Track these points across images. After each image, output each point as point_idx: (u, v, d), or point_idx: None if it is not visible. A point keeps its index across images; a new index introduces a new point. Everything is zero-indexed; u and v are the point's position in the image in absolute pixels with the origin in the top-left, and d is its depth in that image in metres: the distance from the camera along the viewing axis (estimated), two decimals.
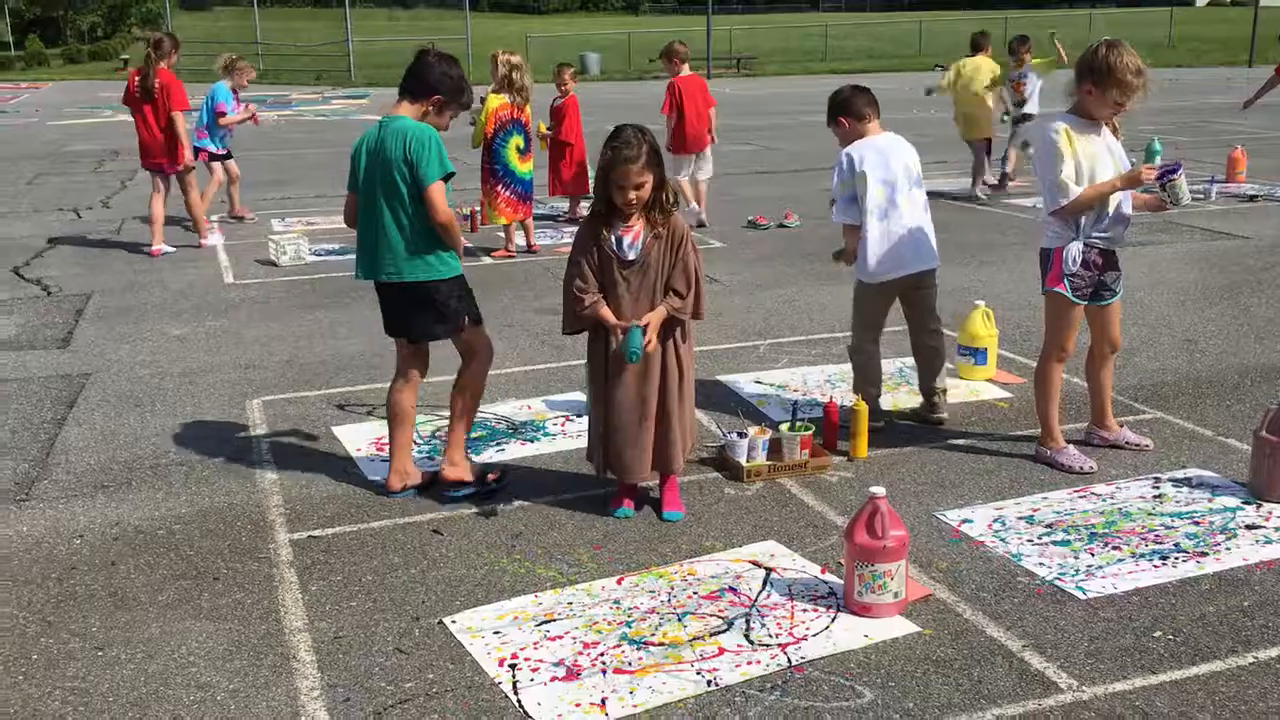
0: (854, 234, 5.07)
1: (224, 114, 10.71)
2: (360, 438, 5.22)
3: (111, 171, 15.66)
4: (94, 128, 22.74)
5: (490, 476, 4.59)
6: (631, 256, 4.16)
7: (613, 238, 4.16)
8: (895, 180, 4.99)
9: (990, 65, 11.50)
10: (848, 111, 5.14)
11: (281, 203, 12.38)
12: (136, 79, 9.56)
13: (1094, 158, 4.45)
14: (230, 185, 11.10)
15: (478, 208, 10.13)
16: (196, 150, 10.27)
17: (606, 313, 4.17)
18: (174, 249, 9.79)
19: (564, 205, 11.36)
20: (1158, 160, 13.08)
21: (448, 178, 4.36)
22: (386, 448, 5.04)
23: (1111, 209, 4.51)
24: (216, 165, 10.84)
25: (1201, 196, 11.33)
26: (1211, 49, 42.29)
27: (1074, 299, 4.59)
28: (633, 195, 4.07)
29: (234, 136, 11.19)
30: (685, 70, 10.69)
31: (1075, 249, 4.49)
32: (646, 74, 37.98)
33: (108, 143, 19.36)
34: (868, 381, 5.22)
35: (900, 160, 5.03)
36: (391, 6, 73.12)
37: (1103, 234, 4.54)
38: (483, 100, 8.86)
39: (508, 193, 9.09)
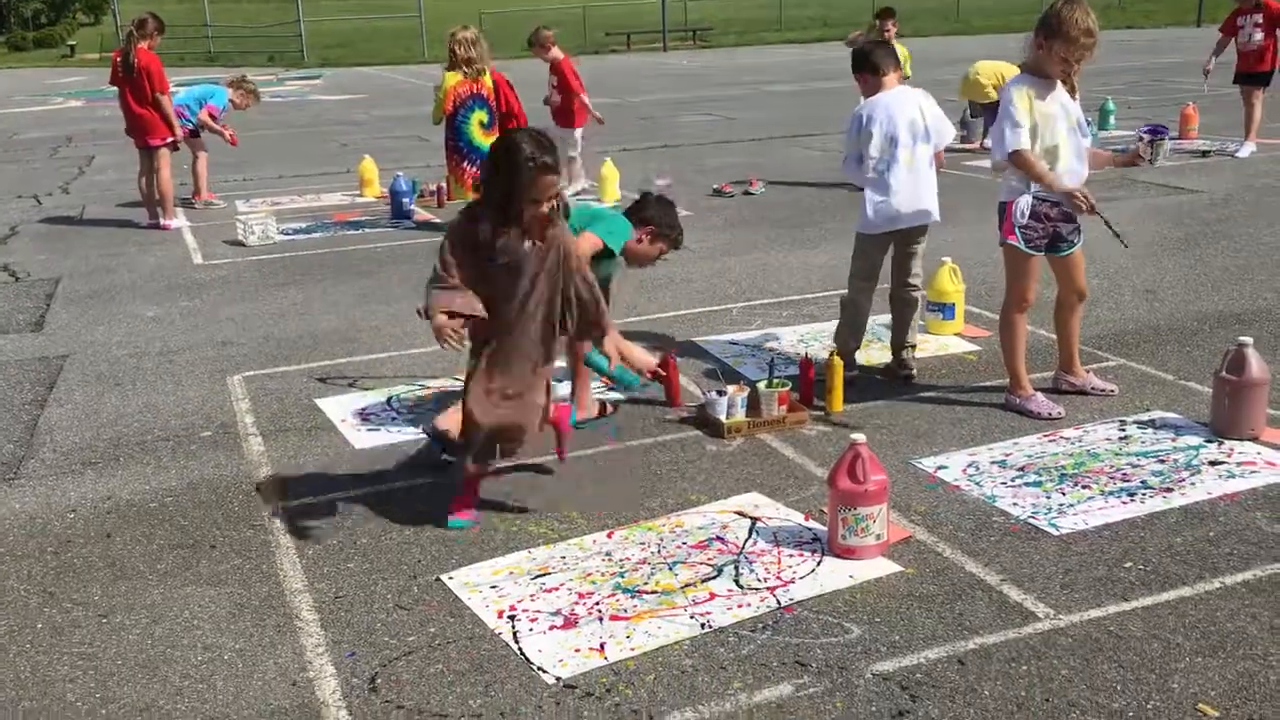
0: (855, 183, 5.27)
1: (214, 116, 10.70)
2: (343, 409, 5.28)
3: (68, 157, 15.50)
4: (46, 115, 22.44)
5: (609, 409, 5.07)
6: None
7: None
8: (898, 135, 5.12)
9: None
10: (865, 66, 5.28)
11: (244, 184, 12.33)
12: (118, 59, 9.64)
13: (1048, 119, 4.60)
14: (203, 163, 11.06)
15: (444, 184, 10.20)
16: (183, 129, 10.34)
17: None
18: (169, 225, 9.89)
19: None
20: (1112, 120, 13.33)
21: (607, 252, 4.71)
22: (371, 417, 5.13)
23: (1060, 164, 4.65)
24: (197, 142, 10.82)
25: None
26: (1160, 10, 42.69)
27: (1027, 250, 4.74)
28: (547, 208, 3.76)
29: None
30: (559, 53, 10.95)
31: (1025, 201, 4.65)
32: (603, 48, 37.88)
33: (61, 129, 19.13)
34: (851, 333, 5.37)
35: (905, 115, 5.15)
36: None
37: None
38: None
39: (473, 168, 9.11)
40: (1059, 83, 4.65)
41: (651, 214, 4.91)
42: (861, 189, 5.29)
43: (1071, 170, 4.70)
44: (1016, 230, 4.71)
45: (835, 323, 5.53)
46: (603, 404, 5.08)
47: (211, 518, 4.23)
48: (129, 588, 3.73)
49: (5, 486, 4.59)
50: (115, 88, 9.88)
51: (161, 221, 9.97)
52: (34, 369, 6.11)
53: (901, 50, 9.85)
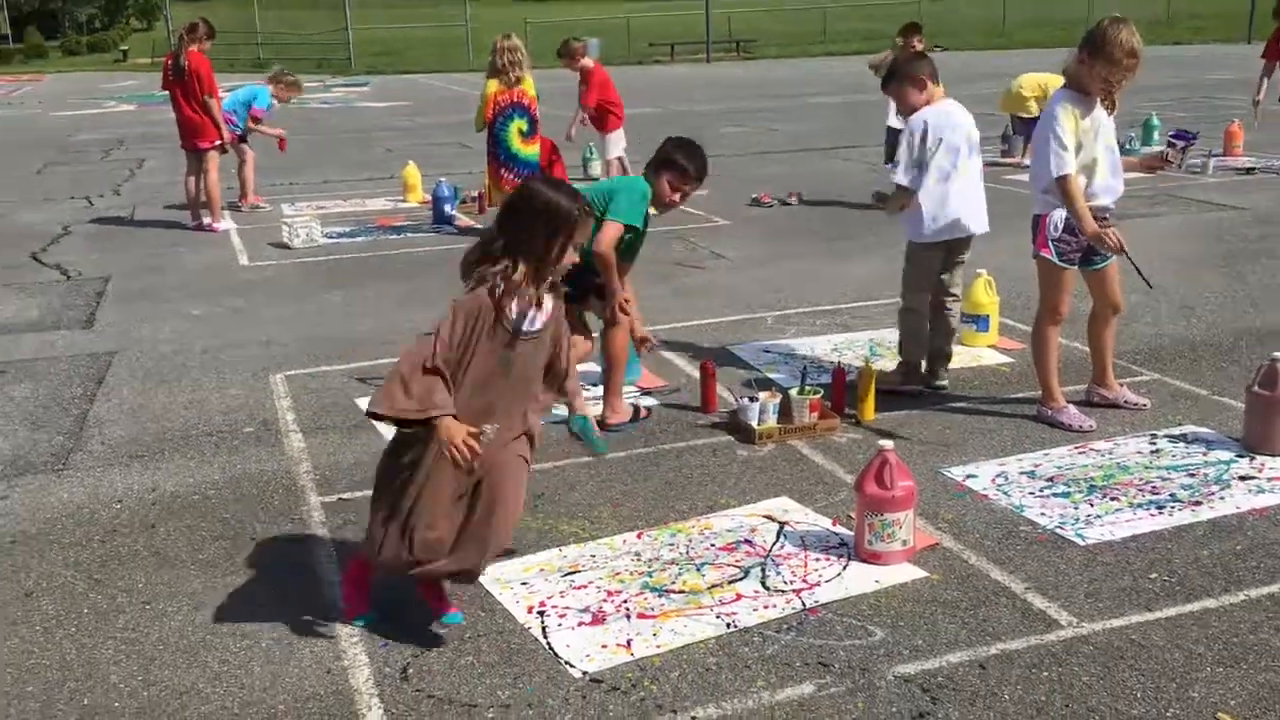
0: (907, 196, 5.21)
1: (259, 119, 10.91)
2: None
3: (120, 160, 15.81)
4: (99, 118, 22.89)
5: (642, 414, 5.14)
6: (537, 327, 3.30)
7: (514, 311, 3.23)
8: (959, 146, 5.17)
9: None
10: (913, 77, 5.26)
11: (290, 188, 12.53)
12: (169, 63, 9.91)
13: (1087, 134, 4.62)
14: (249, 167, 11.24)
15: (484, 190, 10.33)
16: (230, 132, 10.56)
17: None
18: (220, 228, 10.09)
19: None
20: (1155, 135, 13.26)
21: (628, 229, 4.81)
22: None
23: (1098, 179, 4.67)
24: (245, 148, 11.01)
25: (1199, 170, 11.49)
26: (1210, 25, 42.26)
27: (1060, 263, 4.76)
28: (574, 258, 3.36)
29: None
30: (589, 63, 11.07)
31: (1058, 215, 4.67)
32: (646, 59, 38.05)
33: (113, 132, 19.51)
34: (917, 342, 5.37)
35: (963, 127, 5.22)
36: None
37: (1088, 202, 4.69)
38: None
39: (511, 175, 9.23)
40: (1098, 102, 4.67)
41: (671, 155, 4.92)
42: (897, 199, 5.31)
43: (1108, 186, 4.72)
44: (1050, 243, 4.73)
45: (868, 332, 5.57)
46: (636, 408, 5.15)
47: (252, 510, 4.34)
48: (172, 576, 3.84)
49: (54, 477, 4.73)
50: (166, 91, 10.12)
51: (209, 223, 10.17)
52: (84, 364, 6.27)
53: None
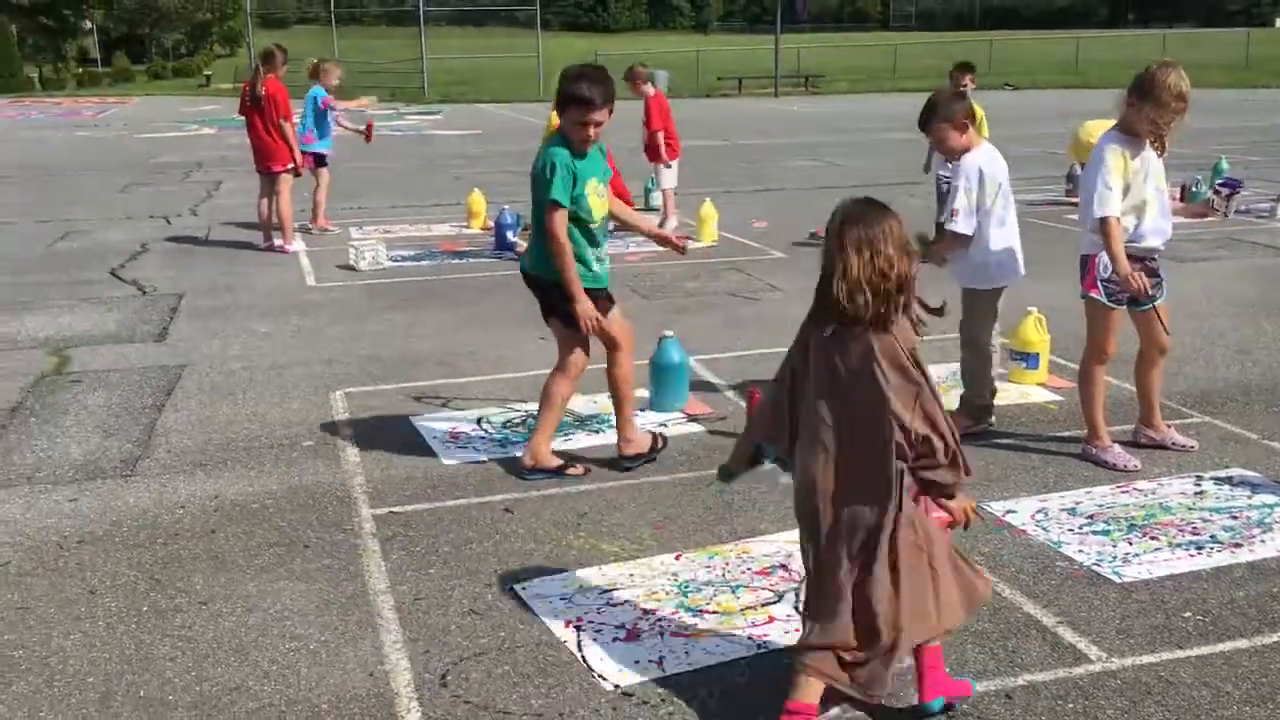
0: (964, 245, 5.16)
1: (332, 108, 11.23)
2: (436, 427, 5.54)
3: (198, 181, 16.31)
4: (180, 141, 23.61)
5: (659, 444, 5.05)
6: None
7: None
8: (1008, 191, 5.22)
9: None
10: (957, 120, 5.19)
11: (358, 212, 12.85)
12: (247, 89, 10.28)
13: (1137, 175, 4.66)
14: (323, 191, 11.54)
15: None
16: (303, 154, 10.86)
17: None
18: (291, 250, 10.41)
19: None
20: (1223, 177, 13.15)
21: (554, 205, 4.55)
22: (460, 436, 5.37)
23: (1147, 220, 4.71)
24: (322, 171, 11.34)
25: (1267, 215, 11.38)
26: None
27: (1109, 303, 4.79)
28: None
29: (336, 136, 11.64)
30: (650, 89, 11.22)
31: (1107, 256, 4.70)
32: (715, 91, 38.33)
33: (193, 155, 20.12)
34: (983, 385, 5.37)
35: (1005, 171, 5.25)
36: (465, 25, 74.40)
37: (1137, 243, 4.73)
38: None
39: None
40: (1148, 144, 4.71)
41: (569, 91, 4.53)
42: (947, 246, 5.28)
43: (1157, 228, 4.75)
44: (1099, 284, 4.76)
45: None
46: (655, 436, 5.14)
47: (307, 520, 4.50)
48: (228, 579, 4.01)
49: (122, 482, 4.94)
50: (243, 116, 10.48)
51: (280, 245, 10.48)
52: (155, 376, 6.52)
53: (976, 109, 9.75)
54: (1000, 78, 40.89)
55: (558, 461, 4.92)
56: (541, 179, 4.58)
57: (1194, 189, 12.10)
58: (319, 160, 11.25)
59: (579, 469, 4.90)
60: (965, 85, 9.74)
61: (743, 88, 39.08)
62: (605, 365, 4.97)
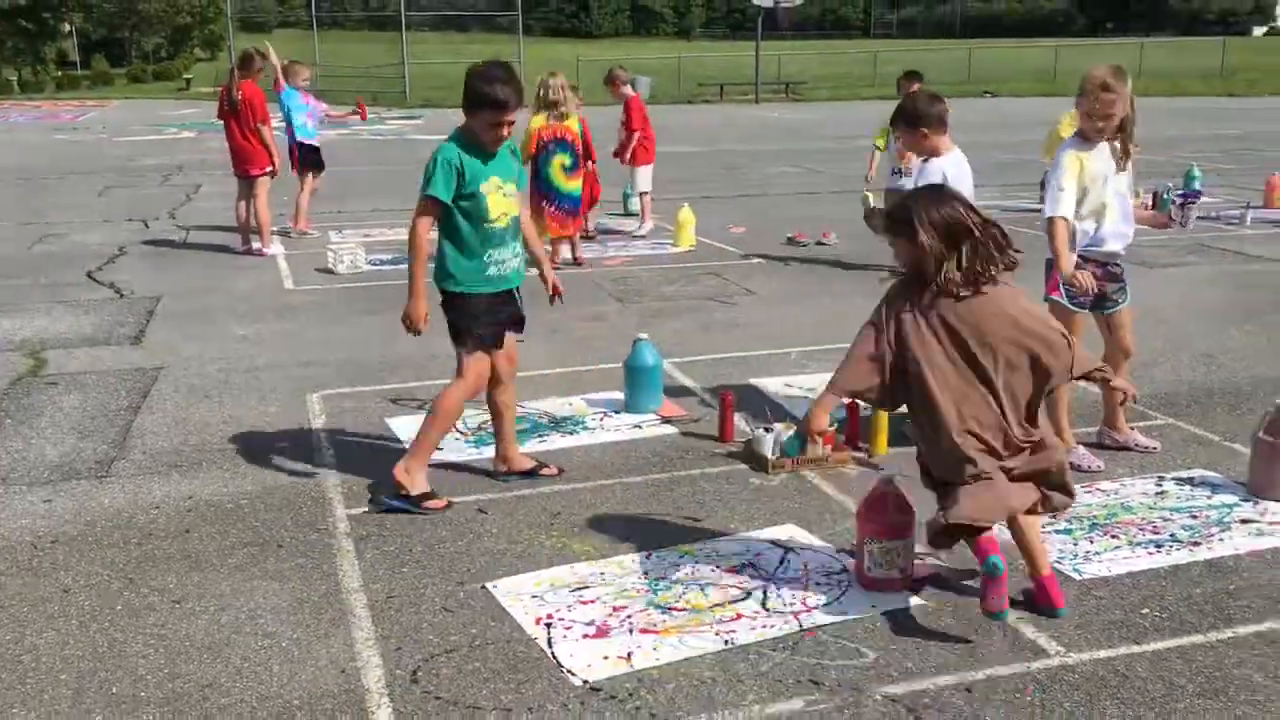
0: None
1: (308, 104, 11.25)
2: (412, 429, 5.55)
3: (177, 185, 16.29)
4: (159, 144, 23.55)
5: (549, 469, 4.94)
6: None
7: None
8: (971, 197, 5.26)
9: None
10: (935, 122, 5.24)
11: (338, 216, 12.87)
12: (224, 93, 10.31)
13: (1096, 179, 4.76)
14: (301, 194, 11.55)
15: None
16: (293, 147, 10.96)
17: None
18: (268, 252, 10.41)
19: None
20: (1197, 185, 13.30)
21: (429, 201, 4.44)
22: None
23: (1107, 224, 4.80)
24: (309, 175, 11.37)
25: (1237, 222, 11.54)
26: (1265, 78, 42.05)
27: (1071, 306, 4.88)
28: None
29: (319, 134, 11.60)
30: (629, 91, 11.26)
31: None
32: (696, 97, 38.45)
33: (172, 158, 20.08)
34: None
35: (970, 177, 5.27)
36: (446, 30, 74.39)
37: (1096, 247, 4.82)
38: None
39: (553, 208, 9.47)
40: (1106, 144, 4.80)
41: (479, 91, 4.39)
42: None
43: (1118, 232, 4.85)
44: (1060, 287, 4.85)
45: None
46: (540, 463, 4.97)
47: (281, 520, 4.54)
48: (201, 578, 4.04)
49: (97, 483, 4.96)
50: (221, 120, 10.50)
51: (258, 248, 10.49)
52: (131, 378, 6.53)
53: None
54: (979, 85, 41.19)
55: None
56: (424, 173, 4.47)
57: (1165, 196, 12.25)
58: (306, 158, 11.26)
59: (442, 502, 4.64)
60: (912, 94, 9.55)
61: (724, 94, 39.22)
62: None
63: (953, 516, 3.47)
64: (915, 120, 5.30)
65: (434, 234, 4.58)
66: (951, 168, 5.24)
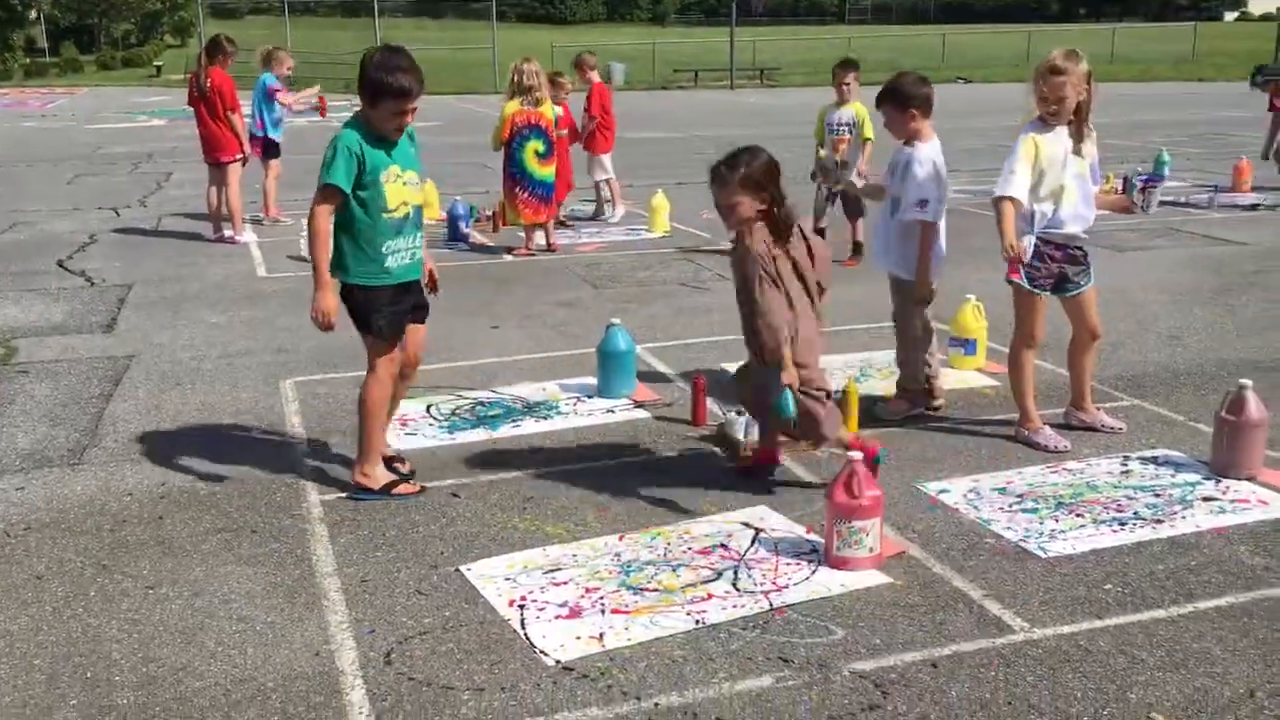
0: (935, 233, 5.27)
1: (278, 91, 11.09)
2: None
3: (147, 173, 16.18)
4: (129, 132, 23.36)
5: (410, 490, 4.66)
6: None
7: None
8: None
9: None
10: (924, 105, 5.28)
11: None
12: (194, 80, 10.27)
13: (1054, 162, 4.81)
14: (273, 181, 11.49)
15: (499, 209, 10.61)
16: (253, 139, 10.84)
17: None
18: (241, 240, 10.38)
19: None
20: (1165, 170, 13.42)
21: (330, 189, 4.33)
22: (409, 423, 5.43)
23: (1065, 207, 4.86)
24: (272, 162, 11.30)
25: (1205, 206, 11.66)
26: (1234, 63, 42.37)
27: (1031, 288, 4.94)
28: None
29: (286, 125, 11.54)
30: (595, 77, 11.25)
31: (1028, 241, 4.86)
32: (671, 83, 38.43)
33: (143, 146, 19.93)
34: (916, 369, 5.52)
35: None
36: (419, 16, 73.95)
37: (1055, 229, 4.88)
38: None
39: (526, 194, 9.48)
40: (1066, 128, 4.85)
41: (380, 80, 4.29)
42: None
43: (1077, 215, 4.90)
44: (1020, 269, 4.91)
45: (861, 354, 5.75)
46: (401, 479, 4.68)
47: (255, 506, 4.55)
48: (175, 564, 4.05)
49: (69, 471, 4.96)
50: (191, 107, 10.44)
51: (230, 235, 10.45)
52: (103, 366, 6.51)
53: (859, 109, 9.07)
54: (953, 71, 41.32)
55: (392, 476, 4.66)
56: (323, 161, 4.35)
57: (1133, 180, 12.36)
58: (269, 148, 11.19)
59: (413, 486, 4.64)
60: (847, 84, 9.08)
61: (699, 80, 39.21)
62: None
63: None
64: (906, 101, 5.29)
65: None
66: (938, 156, 5.30)
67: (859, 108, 9.10)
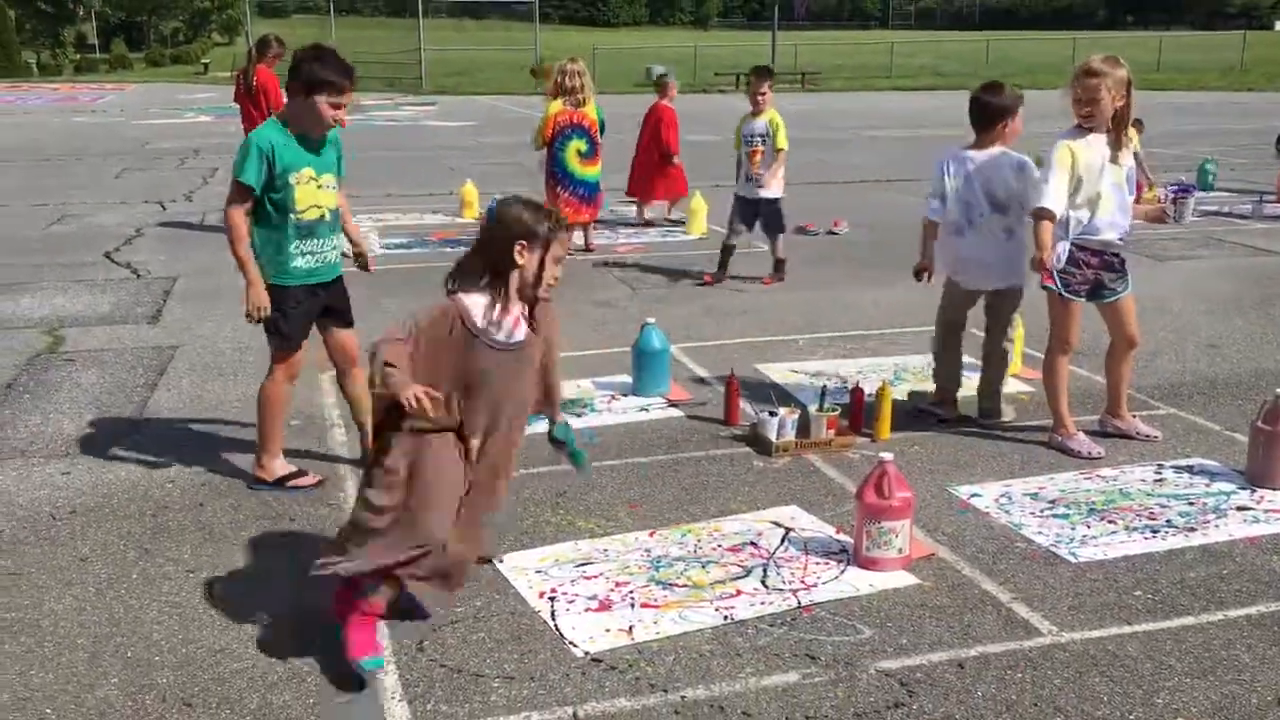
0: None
1: None
2: None
3: (193, 168, 16.42)
4: (176, 127, 23.69)
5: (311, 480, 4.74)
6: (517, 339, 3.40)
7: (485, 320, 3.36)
8: None
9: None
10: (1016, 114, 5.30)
11: (352, 200, 12.93)
12: (240, 78, 10.42)
13: (1091, 169, 4.81)
14: None
15: None
16: None
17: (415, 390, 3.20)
18: None
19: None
20: (1210, 180, 13.29)
21: (239, 186, 4.41)
22: None
23: (1102, 214, 4.84)
24: None
25: (1249, 215, 11.54)
26: None
27: (1065, 294, 4.94)
28: (557, 273, 3.48)
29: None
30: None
31: (1062, 247, 4.86)
32: (711, 87, 38.44)
33: (189, 142, 20.21)
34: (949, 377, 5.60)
35: None
36: (462, 17, 74.41)
37: (1091, 235, 4.87)
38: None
39: (567, 194, 9.53)
40: (1104, 135, 4.84)
41: (314, 74, 4.33)
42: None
43: (1114, 222, 4.89)
44: (1054, 275, 4.90)
45: (895, 358, 5.80)
46: (299, 473, 4.77)
47: (293, 495, 4.63)
48: (215, 550, 4.14)
49: (114, 457, 5.07)
50: (238, 105, 10.60)
51: None
52: (148, 356, 6.64)
53: (774, 118, 8.43)
54: (994, 78, 41.01)
55: (289, 469, 4.75)
56: (235, 159, 4.44)
57: (1167, 191, 12.25)
58: None
59: (311, 478, 4.73)
60: (762, 94, 8.44)
61: (740, 83, 39.17)
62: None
63: None
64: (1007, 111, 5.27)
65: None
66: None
67: (774, 116, 8.50)
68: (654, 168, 11.37)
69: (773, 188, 8.53)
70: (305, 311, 4.69)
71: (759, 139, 8.50)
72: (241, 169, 4.38)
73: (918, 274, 5.51)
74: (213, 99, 32.21)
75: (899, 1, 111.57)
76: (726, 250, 8.66)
